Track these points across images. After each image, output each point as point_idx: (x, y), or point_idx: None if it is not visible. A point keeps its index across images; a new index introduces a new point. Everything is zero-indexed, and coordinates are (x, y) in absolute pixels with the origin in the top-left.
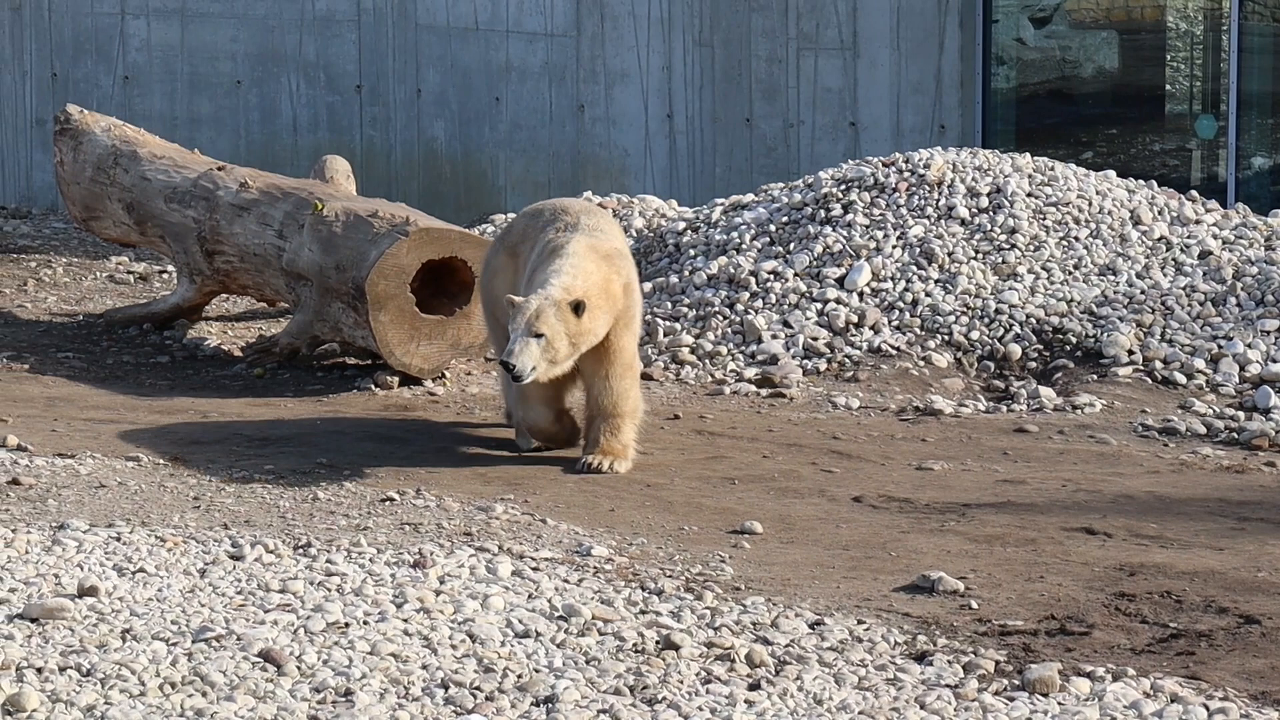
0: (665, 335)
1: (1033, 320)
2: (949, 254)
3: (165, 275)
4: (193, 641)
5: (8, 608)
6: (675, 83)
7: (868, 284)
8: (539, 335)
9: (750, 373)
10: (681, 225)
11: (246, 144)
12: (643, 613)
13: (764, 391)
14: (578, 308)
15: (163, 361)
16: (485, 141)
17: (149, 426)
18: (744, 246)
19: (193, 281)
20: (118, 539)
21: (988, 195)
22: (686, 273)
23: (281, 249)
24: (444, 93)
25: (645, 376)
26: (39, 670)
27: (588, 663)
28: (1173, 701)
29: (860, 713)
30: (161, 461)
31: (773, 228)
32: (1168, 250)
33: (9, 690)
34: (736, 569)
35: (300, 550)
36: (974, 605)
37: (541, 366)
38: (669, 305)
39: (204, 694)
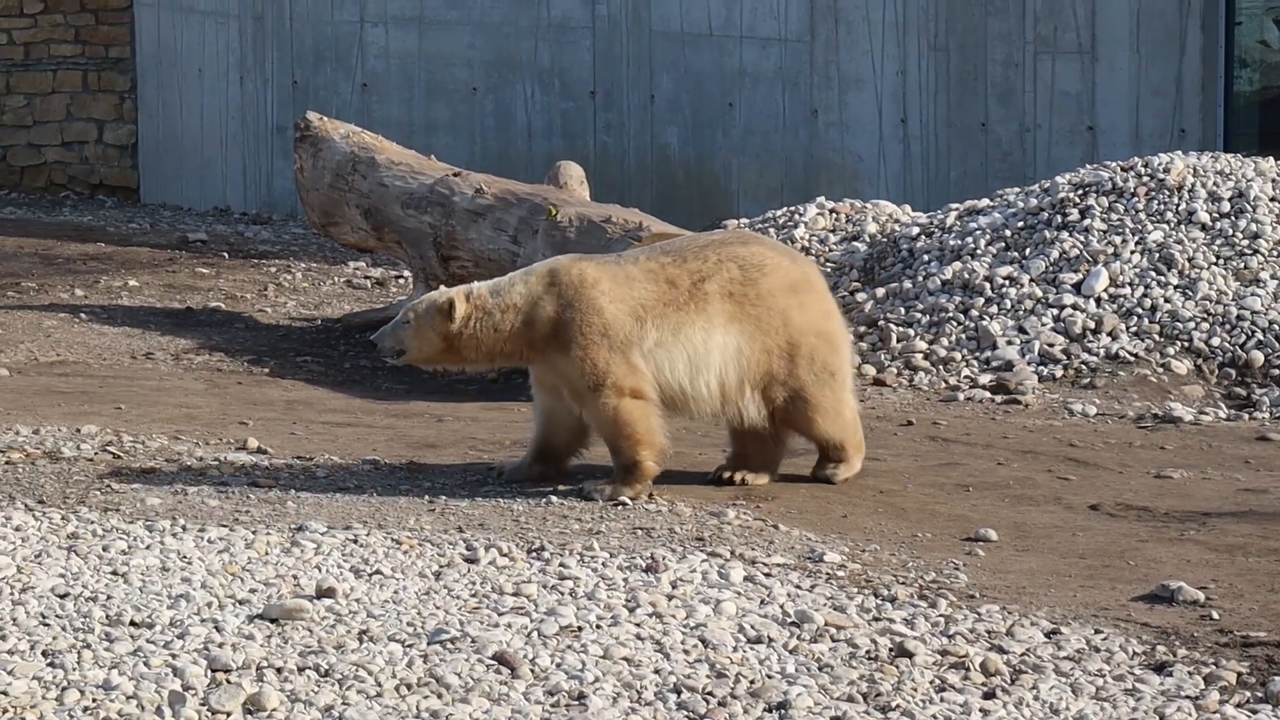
0: (898, 341)
1: (1275, 327)
2: (1189, 259)
3: (401, 280)
4: (428, 643)
5: (248, 608)
6: (910, 87)
7: (1105, 290)
8: (406, 321)
9: (985, 379)
10: (915, 230)
11: (482, 150)
12: (876, 619)
13: (999, 398)
14: (449, 308)
15: (399, 366)
16: (718, 147)
17: (385, 430)
18: (979, 252)
19: (428, 286)
20: (355, 541)
21: (1229, 200)
22: (920, 278)
23: (516, 254)
24: (677, 98)
25: (878, 382)
26: (278, 670)
27: (820, 669)
28: None
29: None
30: (398, 465)
31: (1008, 233)
32: None
33: (250, 690)
34: (971, 576)
35: (534, 554)
36: (1215, 616)
37: (409, 352)
38: (902, 311)
39: (439, 696)
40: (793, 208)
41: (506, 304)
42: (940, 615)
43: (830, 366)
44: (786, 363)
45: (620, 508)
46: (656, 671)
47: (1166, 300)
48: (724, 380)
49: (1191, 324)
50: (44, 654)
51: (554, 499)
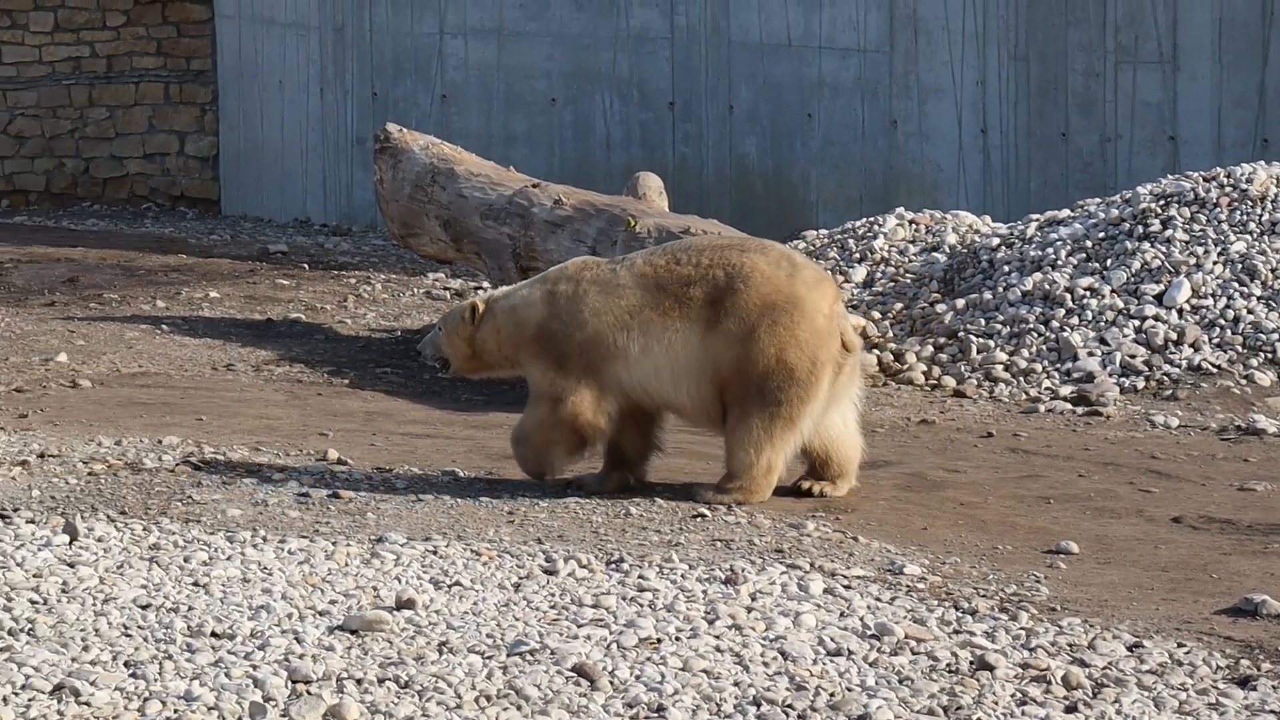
0: (979, 352)
1: None
2: (1272, 270)
3: (480, 291)
4: (507, 655)
5: (328, 619)
6: (990, 97)
7: (1187, 301)
8: (439, 329)
9: (1065, 390)
10: (995, 241)
11: (560, 161)
12: (956, 632)
13: (1079, 409)
14: (473, 310)
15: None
16: (797, 157)
17: (465, 441)
18: (1059, 262)
19: None
20: (434, 552)
21: None
22: (1000, 289)
23: None
24: (756, 109)
25: (958, 394)
26: (358, 681)
27: (901, 682)
28: None
29: None
30: (477, 476)
31: (1089, 243)
32: None
33: (330, 701)
34: (1052, 589)
35: (613, 565)
36: None
37: (453, 359)
38: (982, 322)
39: (519, 708)
40: (872, 218)
41: (508, 307)
42: (1021, 628)
43: (776, 398)
44: (739, 377)
45: (699, 520)
46: (736, 684)
47: (1250, 311)
48: (700, 387)
49: (1275, 335)
50: (126, 665)
51: (632, 510)
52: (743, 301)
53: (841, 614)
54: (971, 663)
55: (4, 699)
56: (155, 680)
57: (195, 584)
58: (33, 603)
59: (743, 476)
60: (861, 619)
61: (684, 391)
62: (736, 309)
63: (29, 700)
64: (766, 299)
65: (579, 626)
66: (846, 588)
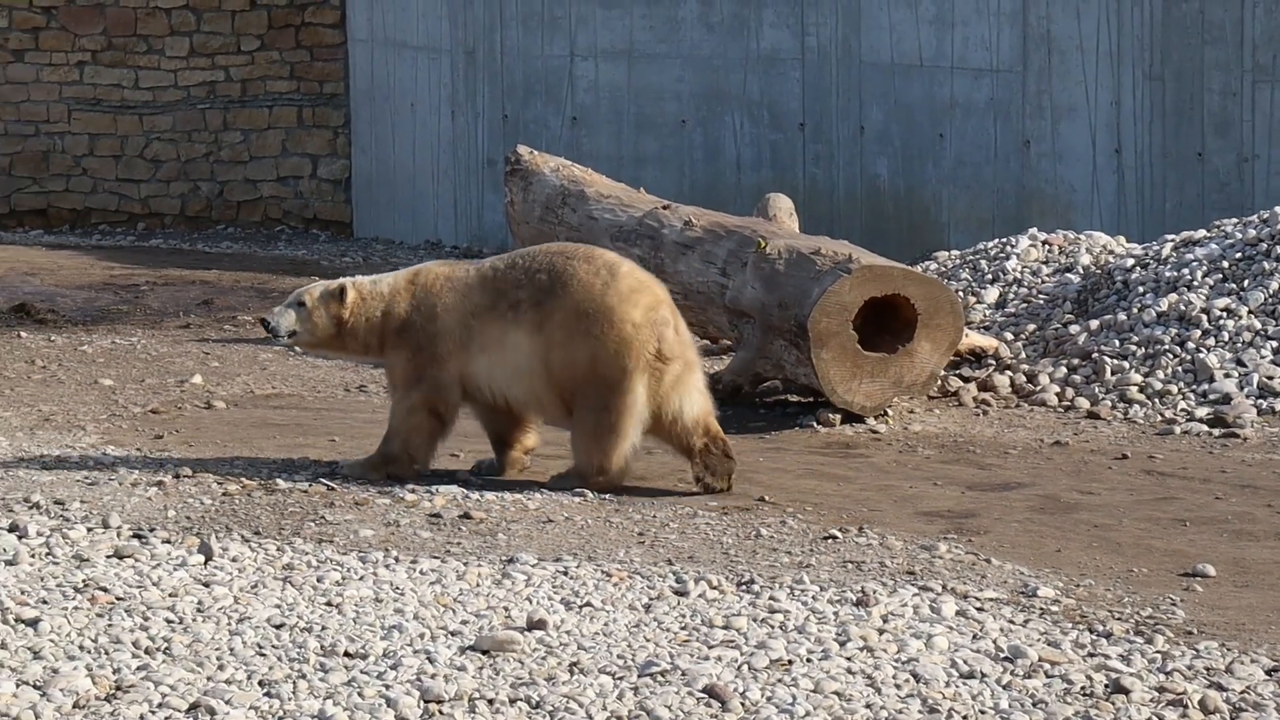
0: (1113, 374)
1: None
2: None
3: None
4: (638, 676)
5: (460, 640)
6: (1124, 117)
7: None
8: (300, 304)
9: (1201, 412)
10: (1130, 262)
11: (690, 182)
12: (1090, 655)
13: (1216, 431)
14: (340, 292)
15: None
16: (928, 178)
17: None
18: (1195, 283)
19: None
20: (565, 573)
21: None
22: (1135, 310)
23: (724, 287)
24: (887, 129)
25: (1092, 415)
26: (490, 702)
27: (1034, 705)
28: None
29: None
30: (607, 497)
31: (1225, 264)
32: None
33: None
34: (1188, 612)
35: (743, 587)
36: None
37: (301, 334)
38: (1116, 343)
39: None
40: (1004, 239)
41: (377, 294)
42: (1157, 651)
43: (597, 404)
44: (569, 381)
45: (831, 541)
46: (868, 706)
47: None
48: (534, 387)
49: None
50: (260, 684)
51: (763, 532)
52: (560, 307)
53: (974, 636)
54: (1106, 686)
55: (141, 718)
56: (289, 699)
57: (328, 604)
58: (169, 622)
59: (583, 476)
60: (994, 641)
61: (517, 389)
62: (555, 315)
63: (165, 719)
64: (579, 307)
65: (710, 648)
66: (979, 610)
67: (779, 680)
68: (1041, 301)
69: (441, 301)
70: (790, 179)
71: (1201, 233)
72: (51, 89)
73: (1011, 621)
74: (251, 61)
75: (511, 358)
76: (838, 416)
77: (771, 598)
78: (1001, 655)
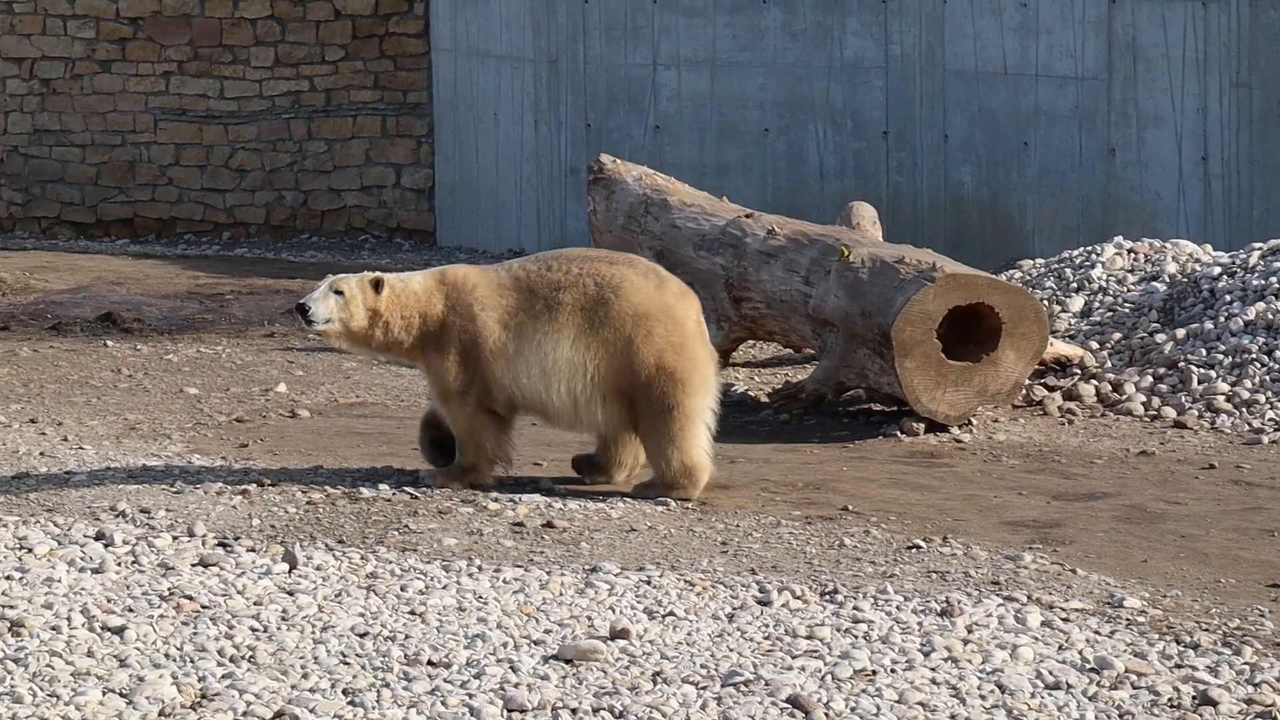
0: (1200, 383)
1: None
2: None
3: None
4: (721, 686)
5: (543, 649)
6: (1210, 125)
7: None
8: (339, 292)
9: None
10: (1217, 270)
11: (773, 191)
12: (1178, 666)
13: None
14: (377, 284)
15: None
16: (1013, 186)
17: None
18: None
19: (720, 328)
20: (648, 582)
21: None
22: (1222, 319)
23: (808, 295)
24: (971, 137)
25: (1179, 425)
26: (573, 711)
27: (1121, 717)
28: None
29: None
30: (689, 506)
31: None
32: None
33: None
34: (1276, 623)
35: (827, 596)
36: None
37: (335, 322)
38: (1203, 352)
39: None
40: (1089, 247)
41: (410, 293)
42: (1245, 663)
43: (669, 402)
44: (629, 385)
45: (914, 551)
46: (952, 717)
47: None
48: (573, 390)
49: None
50: (344, 692)
51: (846, 541)
52: (616, 311)
53: (1060, 647)
54: (1194, 698)
55: None
56: (373, 708)
57: (412, 612)
58: (253, 630)
59: (676, 474)
60: (1080, 652)
61: (554, 392)
62: (610, 319)
63: None
64: (639, 309)
65: (793, 658)
66: (1065, 620)
67: (863, 690)
68: (1127, 310)
69: (478, 300)
70: (874, 187)
71: None
72: (138, 99)
73: (1097, 632)
74: (336, 71)
75: (549, 361)
76: (921, 425)
77: (855, 608)
78: (1087, 666)
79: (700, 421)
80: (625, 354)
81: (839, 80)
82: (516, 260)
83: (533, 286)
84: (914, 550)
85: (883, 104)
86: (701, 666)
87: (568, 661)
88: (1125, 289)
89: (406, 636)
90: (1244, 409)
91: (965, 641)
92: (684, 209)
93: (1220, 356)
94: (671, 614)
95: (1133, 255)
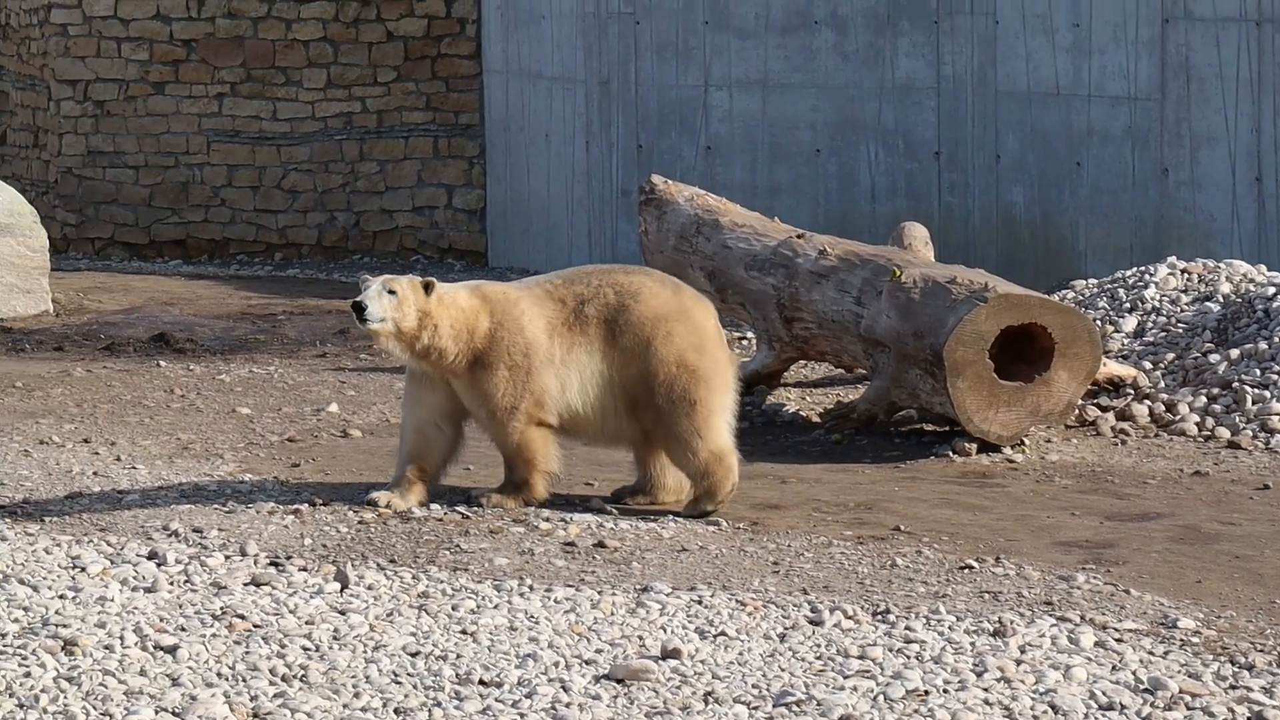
0: (1254, 403)
1: None
2: None
3: (744, 342)
4: (773, 705)
5: (594, 668)
6: (1265, 145)
7: None
8: (391, 291)
9: None
10: (1271, 290)
11: (825, 211)
12: (1232, 687)
13: None
14: (427, 286)
15: (743, 427)
16: (1065, 206)
17: None
18: None
19: (771, 348)
20: (699, 602)
21: None
22: (1277, 339)
23: (859, 315)
24: (1023, 158)
25: (1233, 445)
26: None
27: None
28: None
29: None
30: (741, 526)
31: None
32: None
33: None
34: None
35: (879, 616)
36: None
37: (389, 321)
38: (1258, 372)
39: None
40: (1142, 268)
41: (455, 304)
42: None
43: (691, 397)
44: (646, 389)
45: (967, 571)
46: None
47: None
48: (603, 402)
49: None
50: (396, 712)
51: (899, 561)
52: (635, 316)
53: (1113, 668)
54: (1249, 719)
55: None
56: None
57: (463, 632)
58: (305, 649)
59: (707, 474)
60: (1134, 673)
61: (588, 401)
62: (630, 324)
63: None
64: (658, 311)
65: (845, 677)
66: (1118, 641)
67: (915, 711)
68: (1180, 330)
69: (524, 312)
70: (925, 208)
71: None
72: (191, 120)
73: (1151, 653)
74: (388, 93)
75: (585, 369)
76: (974, 446)
77: (907, 628)
78: (1141, 687)
79: (723, 417)
80: (646, 357)
81: (890, 101)
82: (537, 277)
83: (562, 299)
84: (966, 570)
85: (934, 124)
86: (753, 686)
87: (619, 681)
88: (1179, 309)
89: (458, 656)
90: None
91: (1018, 662)
92: (735, 229)
93: (1275, 377)
94: (723, 634)
95: (1186, 275)
